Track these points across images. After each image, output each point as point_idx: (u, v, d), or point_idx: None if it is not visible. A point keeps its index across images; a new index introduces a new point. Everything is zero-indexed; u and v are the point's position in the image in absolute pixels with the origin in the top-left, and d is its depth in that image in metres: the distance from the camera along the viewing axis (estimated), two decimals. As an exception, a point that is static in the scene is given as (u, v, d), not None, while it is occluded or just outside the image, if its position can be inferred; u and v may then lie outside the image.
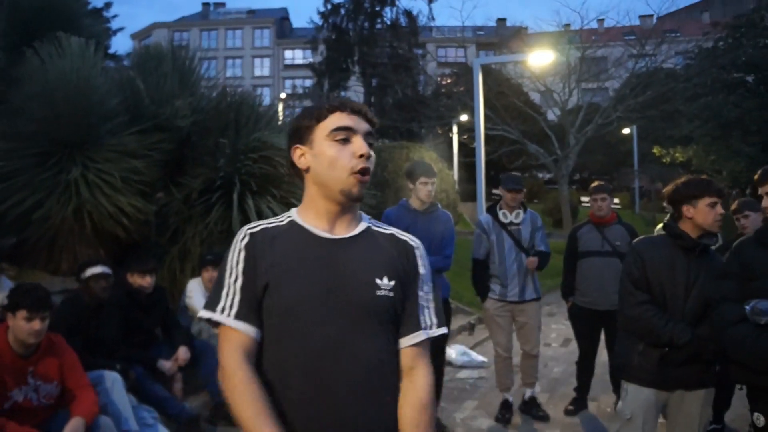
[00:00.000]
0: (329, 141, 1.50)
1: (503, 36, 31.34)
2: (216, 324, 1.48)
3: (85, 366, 3.52)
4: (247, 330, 1.45)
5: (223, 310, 1.46)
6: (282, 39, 52.63)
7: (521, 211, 4.79)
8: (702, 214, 2.80)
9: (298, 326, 1.43)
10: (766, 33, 20.62)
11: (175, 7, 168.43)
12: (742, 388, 2.63)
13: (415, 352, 1.54)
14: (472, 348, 7.18)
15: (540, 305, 4.95)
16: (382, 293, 1.48)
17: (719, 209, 2.80)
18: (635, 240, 3.17)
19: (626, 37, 24.63)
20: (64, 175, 5.09)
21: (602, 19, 27.50)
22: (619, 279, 2.98)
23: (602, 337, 4.90)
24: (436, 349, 1.89)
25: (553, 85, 22.67)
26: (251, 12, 54.04)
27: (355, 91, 34.63)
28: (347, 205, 1.53)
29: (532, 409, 4.90)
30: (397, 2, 34.62)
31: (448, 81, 32.26)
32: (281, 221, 1.56)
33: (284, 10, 55.93)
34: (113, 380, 3.67)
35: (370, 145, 1.53)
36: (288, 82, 48.42)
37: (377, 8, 34.45)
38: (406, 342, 1.54)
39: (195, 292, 4.81)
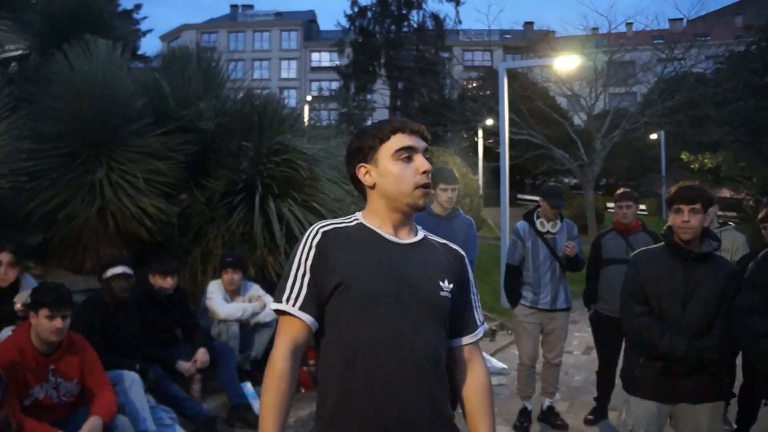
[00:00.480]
0: (394, 160, 1.68)
1: (530, 40, 31.04)
2: (282, 313, 1.64)
3: (104, 365, 3.57)
4: (307, 320, 1.61)
5: (288, 300, 1.62)
6: (309, 41, 52.88)
7: (558, 221, 4.78)
8: (671, 219, 2.83)
9: (372, 315, 1.59)
10: (801, 37, 20.17)
11: (205, 9, 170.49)
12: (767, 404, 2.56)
13: (473, 347, 1.78)
14: (492, 354, 7.14)
15: (569, 315, 4.91)
16: (444, 294, 1.68)
17: (684, 216, 2.76)
18: (634, 252, 3.15)
19: (655, 41, 24.29)
20: (90, 175, 5.14)
21: (630, 23, 27.23)
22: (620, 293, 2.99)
23: (623, 346, 4.82)
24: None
25: (580, 90, 22.42)
26: (279, 14, 54.41)
27: (381, 94, 34.68)
28: (410, 215, 1.73)
29: (551, 417, 4.85)
30: (423, 5, 34.70)
31: (474, 85, 32.13)
32: (350, 222, 1.73)
33: (311, 13, 56.24)
34: (132, 380, 3.71)
35: (428, 160, 1.71)
36: (314, 85, 48.68)
37: (404, 11, 34.54)
38: (467, 340, 1.77)
39: (215, 293, 4.83)
